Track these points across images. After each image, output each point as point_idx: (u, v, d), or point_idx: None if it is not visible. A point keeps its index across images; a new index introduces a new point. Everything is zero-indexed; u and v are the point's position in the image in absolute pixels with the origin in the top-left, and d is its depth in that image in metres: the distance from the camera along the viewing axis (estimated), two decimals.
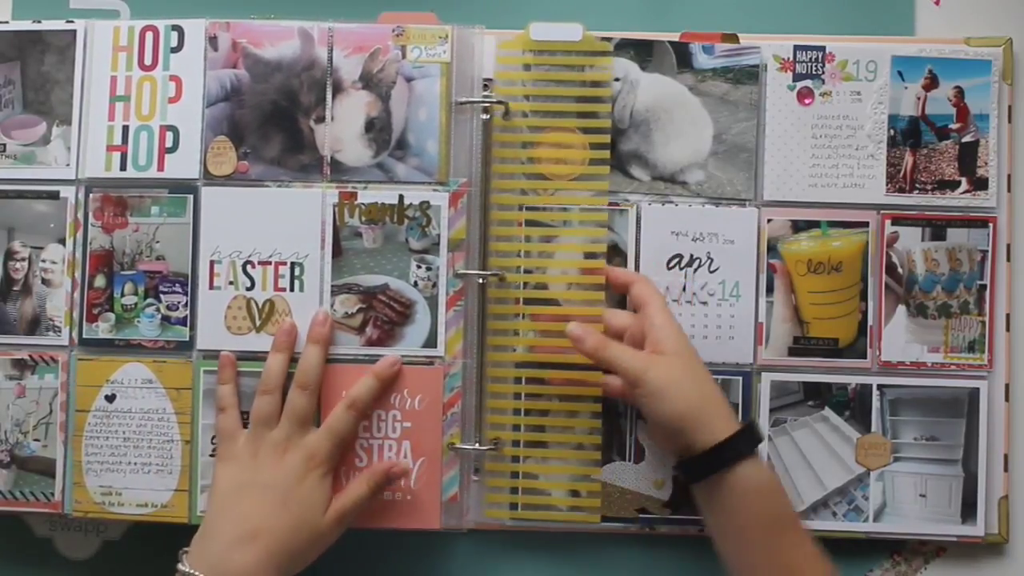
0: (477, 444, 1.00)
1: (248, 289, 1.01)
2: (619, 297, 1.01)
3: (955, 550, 1.03)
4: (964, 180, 1.02)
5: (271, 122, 1.01)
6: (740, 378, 1.02)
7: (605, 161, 1.01)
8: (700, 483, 0.94)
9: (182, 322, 1.01)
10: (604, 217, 1.01)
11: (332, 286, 1.01)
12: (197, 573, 0.90)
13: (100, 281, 1.01)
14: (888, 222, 1.02)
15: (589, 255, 1.01)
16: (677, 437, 0.94)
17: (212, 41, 1.02)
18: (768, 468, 0.95)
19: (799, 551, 0.92)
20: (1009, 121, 1.03)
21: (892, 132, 1.02)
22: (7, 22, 1.06)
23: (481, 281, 1.01)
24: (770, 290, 1.02)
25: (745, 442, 0.92)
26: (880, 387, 1.02)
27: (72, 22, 1.03)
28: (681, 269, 1.02)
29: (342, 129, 1.01)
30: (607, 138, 1.01)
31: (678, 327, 0.96)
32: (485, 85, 1.02)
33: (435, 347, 1.00)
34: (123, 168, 1.02)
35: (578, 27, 1.01)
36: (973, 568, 1.04)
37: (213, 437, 1.00)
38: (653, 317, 0.96)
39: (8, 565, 1.05)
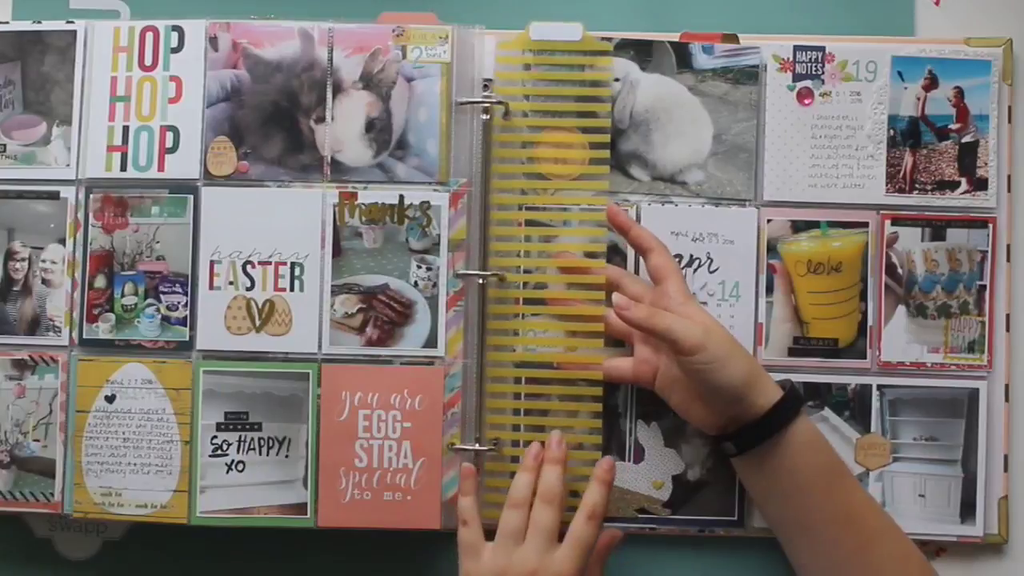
0: (477, 444, 1.00)
1: (248, 289, 1.01)
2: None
3: (955, 550, 1.03)
4: (964, 180, 1.02)
5: (271, 122, 1.01)
6: None
7: (605, 161, 1.01)
8: (753, 450, 0.94)
9: (182, 322, 1.01)
10: (603, 217, 1.00)
11: (332, 286, 1.01)
12: None
13: (100, 281, 1.01)
14: (888, 222, 1.02)
15: (589, 255, 1.01)
16: (735, 404, 0.93)
17: (212, 41, 1.02)
18: (813, 424, 0.95)
19: (855, 496, 0.95)
20: (1009, 121, 1.03)
21: (892, 132, 1.02)
22: (7, 22, 1.06)
23: (481, 281, 1.01)
24: (770, 290, 1.02)
25: (795, 400, 0.94)
26: (880, 387, 1.02)
27: (72, 22, 1.03)
28: (681, 269, 1.02)
29: (342, 129, 1.01)
30: (607, 138, 1.01)
31: (696, 302, 0.97)
32: (485, 85, 1.02)
33: (435, 347, 1.00)
34: (123, 168, 1.02)
35: (578, 27, 1.01)
36: (973, 568, 1.04)
37: (213, 437, 1.00)
38: (675, 294, 0.96)
39: (8, 565, 1.05)
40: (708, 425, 0.97)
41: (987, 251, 1.02)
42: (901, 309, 1.02)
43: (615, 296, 0.96)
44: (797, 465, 0.93)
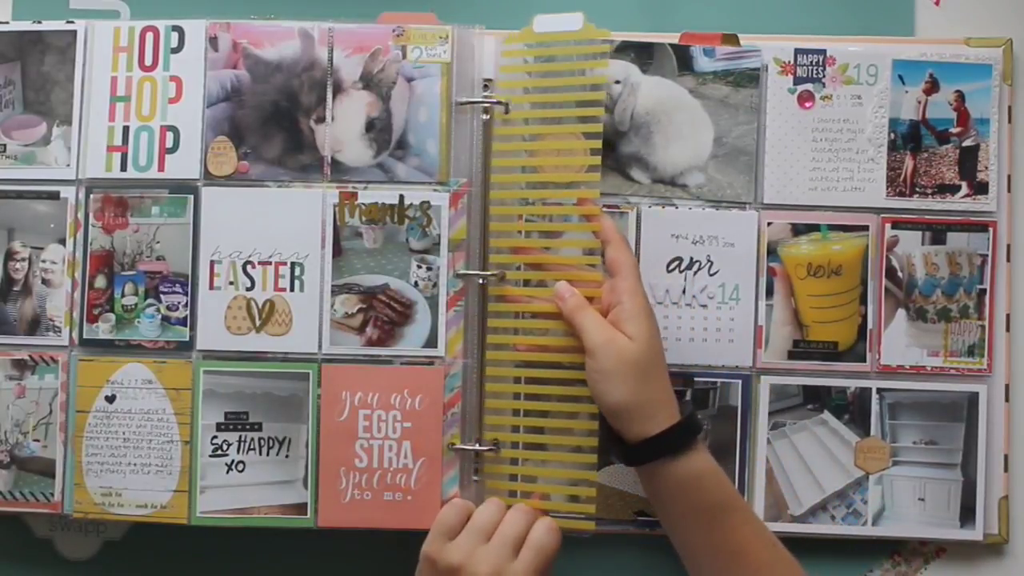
0: (477, 444, 1.00)
1: (248, 289, 1.01)
2: None
3: (955, 550, 1.04)
4: (964, 184, 1.02)
5: (271, 122, 1.01)
6: (739, 381, 1.02)
7: (597, 163, 0.99)
8: (639, 468, 0.94)
9: (182, 322, 1.01)
10: (597, 211, 0.99)
11: (332, 286, 1.01)
12: None
13: (100, 281, 1.01)
14: (888, 226, 1.02)
15: (588, 252, 1.01)
16: (613, 420, 0.93)
17: (212, 42, 1.02)
18: (707, 458, 0.92)
19: (742, 531, 0.92)
20: (1009, 122, 1.03)
21: (892, 136, 1.02)
22: (7, 22, 1.06)
23: (481, 281, 1.01)
24: (770, 293, 1.02)
25: (679, 437, 0.91)
26: (879, 391, 1.02)
27: (72, 22, 1.03)
28: (681, 272, 1.02)
29: (342, 129, 1.01)
30: (600, 133, 0.99)
31: (645, 306, 0.93)
32: (485, 85, 1.02)
33: (435, 347, 1.00)
34: (123, 168, 1.01)
35: (579, 16, 1.00)
36: (973, 568, 1.04)
37: (213, 438, 1.00)
38: (622, 293, 0.94)
39: (8, 565, 1.06)
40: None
41: (987, 255, 1.02)
42: (901, 313, 1.02)
43: (559, 283, 0.96)
44: (676, 497, 0.92)
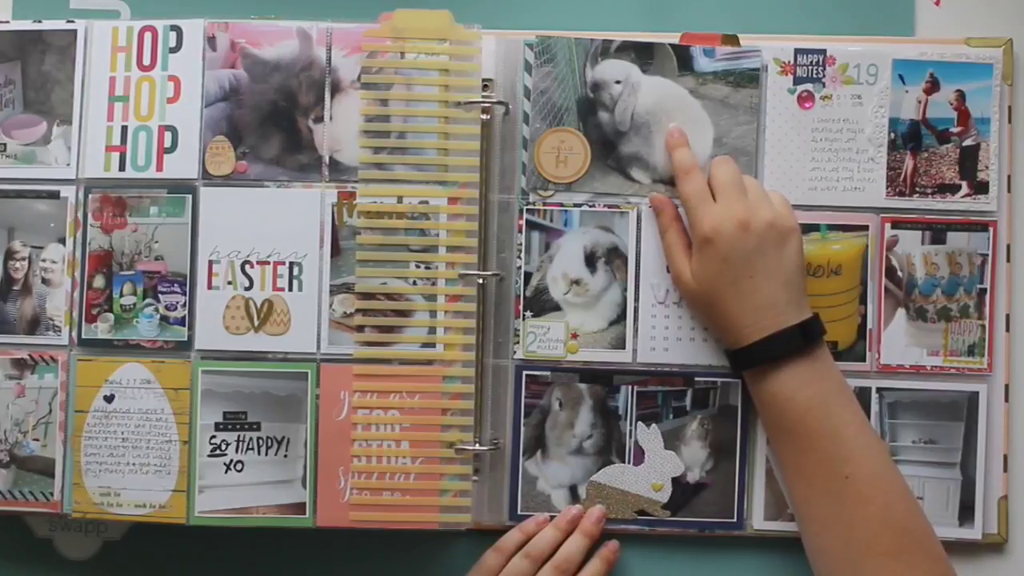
0: (477, 444, 1.00)
1: (247, 289, 1.01)
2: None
3: (954, 549, 1.03)
4: (964, 184, 1.02)
5: (270, 122, 1.01)
6: (739, 381, 1.01)
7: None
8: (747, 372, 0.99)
9: (181, 322, 1.01)
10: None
11: (331, 286, 1.01)
12: None
13: (99, 281, 1.01)
14: (888, 225, 1.02)
15: (588, 253, 1.01)
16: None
17: (211, 41, 1.02)
18: (821, 375, 0.96)
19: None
20: (1009, 121, 1.03)
21: (893, 136, 1.02)
22: (8, 22, 1.05)
23: (481, 281, 1.01)
24: None
25: (770, 347, 0.95)
26: (879, 390, 1.02)
27: (72, 22, 1.03)
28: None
29: (341, 129, 1.01)
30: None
31: (714, 231, 0.96)
32: (485, 85, 1.02)
33: (435, 347, 1.00)
34: (122, 168, 1.01)
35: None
36: (972, 568, 1.04)
37: (211, 437, 1.00)
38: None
39: (8, 565, 1.06)
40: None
41: (987, 255, 1.02)
42: (901, 312, 1.02)
43: (654, 195, 1.02)
44: (782, 411, 0.96)
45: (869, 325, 1.02)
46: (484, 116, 1.01)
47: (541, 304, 1.02)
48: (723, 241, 0.94)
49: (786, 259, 0.95)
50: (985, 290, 1.02)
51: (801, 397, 0.94)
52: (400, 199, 1.00)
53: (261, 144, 1.01)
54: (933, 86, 1.02)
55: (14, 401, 1.02)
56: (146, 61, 1.02)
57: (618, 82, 1.02)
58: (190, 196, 1.01)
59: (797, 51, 1.02)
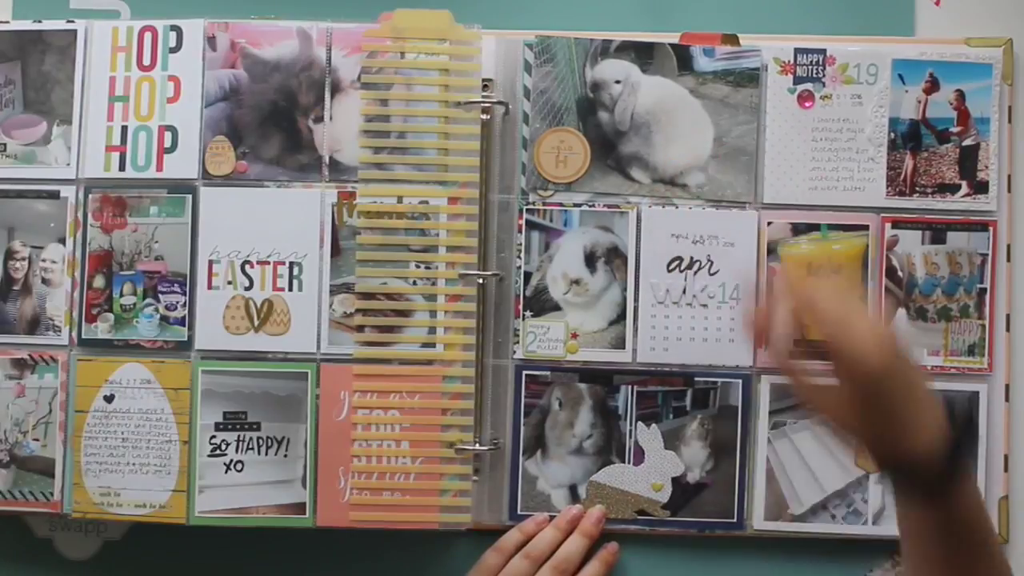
0: (477, 444, 1.00)
1: (246, 289, 1.01)
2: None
3: None
4: (964, 184, 1.02)
5: (270, 122, 1.01)
6: (740, 381, 1.02)
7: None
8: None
9: (180, 322, 1.01)
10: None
11: (331, 286, 1.01)
12: None
13: (99, 281, 1.01)
14: (888, 225, 1.02)
15: (587, 253, 1.01)
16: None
17: (211, 41, 1.02)
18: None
19: None
20: (1009, 121, 1.03)
21: (892, 135, 1.02)
22: (8, 22, 1.05)
23: (481, 281, 1.01)
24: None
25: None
26: None
27: (72, 22, 1.03)
28: (681, 272, 1.02)
29: (341, 129, 1.01)
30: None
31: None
32: (485, 85, 1.02)
33: (435, 347, 1.00)
34: (122, 168, 1.02)
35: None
36: None
37: (211, 437, 1.00)
38: None
39: (8, 565, 1.06)
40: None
41: (987, 254, 1.02)
42: (901, 312, 1.02)
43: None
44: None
45: None
46: (484, 116, 1.01)
47: (541, 304, 1.02)
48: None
49: None
50: (985, 290, 1.02)
51: (980, 499, 0.79)
52: (400, 199, 1.00)
53: (261, 144, 1.01)
54: (933, 86, 1.02)
55: (14, 401, 1.02)
56: (146, 61, 1.02)
57: (618, 82, 1.02)
58: (190, 196, 1.01)
59: (797, 51, 1.02)
